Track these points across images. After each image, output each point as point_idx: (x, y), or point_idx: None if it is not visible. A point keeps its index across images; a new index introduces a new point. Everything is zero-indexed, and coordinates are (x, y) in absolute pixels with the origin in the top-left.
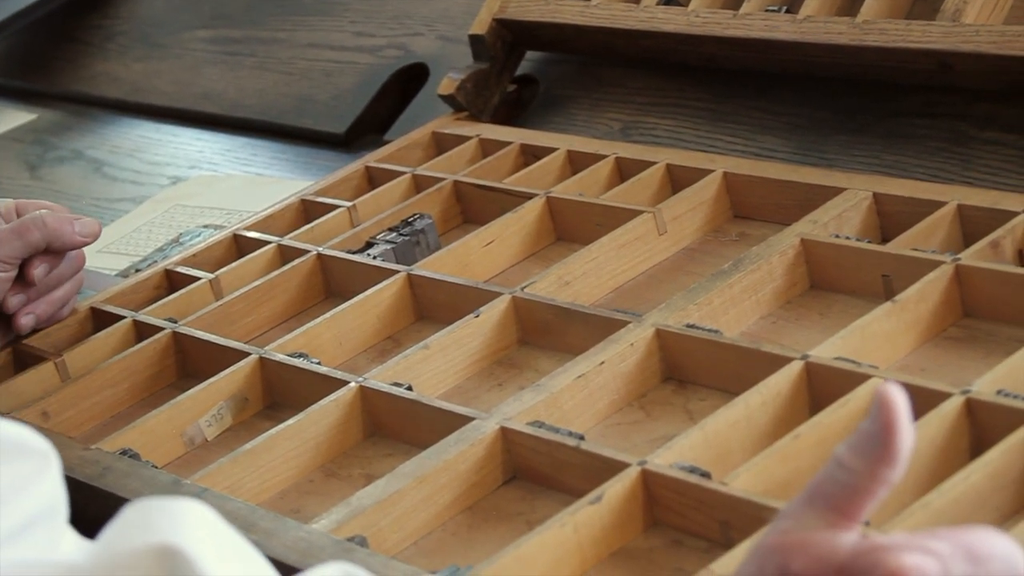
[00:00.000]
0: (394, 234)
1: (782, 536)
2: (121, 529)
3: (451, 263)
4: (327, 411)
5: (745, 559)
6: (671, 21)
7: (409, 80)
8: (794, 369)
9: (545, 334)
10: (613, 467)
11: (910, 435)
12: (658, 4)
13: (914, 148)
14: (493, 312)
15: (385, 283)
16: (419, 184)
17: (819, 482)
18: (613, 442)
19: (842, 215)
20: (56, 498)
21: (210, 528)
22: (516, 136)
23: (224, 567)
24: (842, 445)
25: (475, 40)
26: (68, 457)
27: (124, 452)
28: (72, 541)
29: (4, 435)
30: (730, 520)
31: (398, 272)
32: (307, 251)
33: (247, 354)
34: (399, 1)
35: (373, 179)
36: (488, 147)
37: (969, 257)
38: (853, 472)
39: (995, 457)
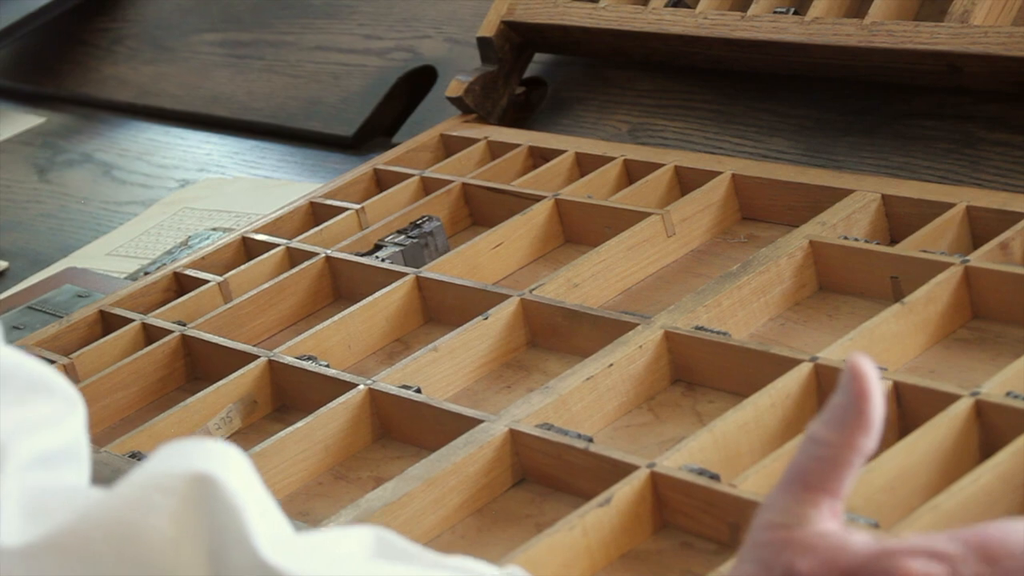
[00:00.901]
0: (403, 236)
1: (786, 532)
2: (156, 459)
3: (460, 265)
4: (336, 414)
5: (742, 556)
6: (679, 23)
7: (417, 83)
8: (803, 371)
9: (554, 336)
10: (622, 469)
11: (881, 402)
12: (666, 6)
13: (923, 150)
14: (502, 314)
15: (394, 285)
16: (427, 186)
17: (795, 463)
18: (622, 444)
19: (851, 217)
20: (79, 443)
21: (242, 466)
22: (524, 138)
23: (254, 501)
24: (814, 422)
25: (483, 42)
26: None
27: (133, 455)
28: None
29: (34, 374)
30: (739, 522)
31: (407, 274)
32: (316, 254)
33: (256, 357)
34: (407, 4)
35: (381, 181)
36: (496, 149)
37: (978, 259)
38: (828, 445)
39: (1005, 459)
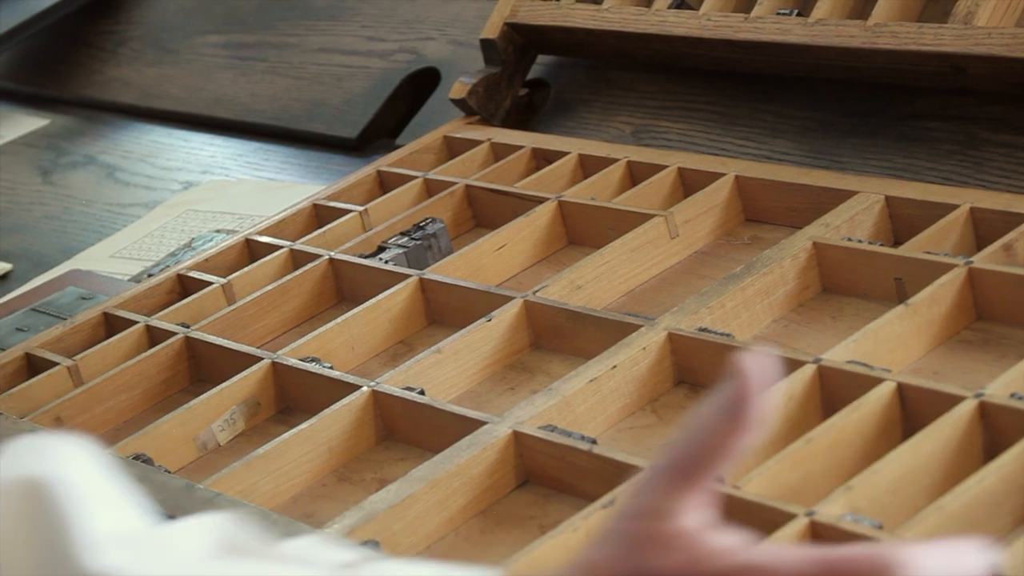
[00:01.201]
0: (406, 238)
1: (652, 524)
2: None
3: (463, 267)
4: (340, 415)
5: (601, 537)
6: (682, 25)
7: (421, 84)
8: (807, 373)
9: (557, 338)
10: (625, 471)
11: (767, 398)
12: (669, 8)
13: (926, 151)
14: (505, 316)
15: (397, 287)
16: (431, 188)
17: (673, 449)
18: (625, 446)
19: (854, 218)
20: None
21: (85, 464)
22: (527, 140)
23: (91, 504)
24: (697, 412)
25: (486, 44)
26: None
27: (137, 457)
28: None
29: None
30: (743, 524)
31: (410, 276)
32: (319, 256)
33: (259, 359)
34: (410, 5)
35: (385, 183)
36: (499, 151)
37: (982, 260)
38: (706, 437)
39: (1009, 460)
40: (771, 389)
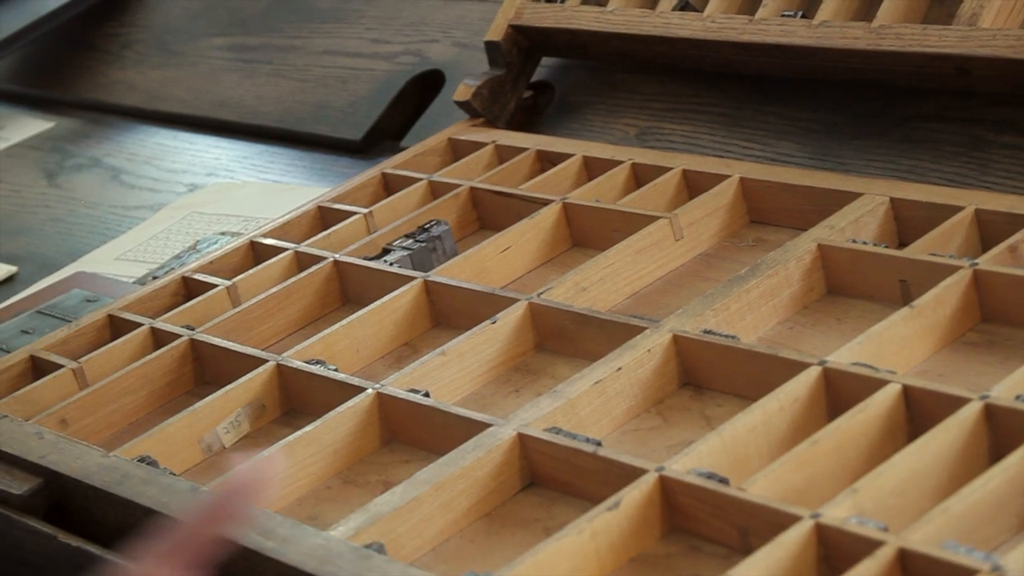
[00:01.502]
0: (411, 240)
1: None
2: None
3: (468, 269)
4: (344, 418)
5: None
6: (687, 27)
7: (425, 87)
8: (812, 375)
9: (562, 340)
10: (631, 473)
11: (241, 504)
12: (674, 10)
13: (931, 153)
14: (510, 318)
15: (402, 290)
16: (435, 190)
17: (172, 529)
18: (630, 448)
19: (859, 220)
20: None
21: None
22: (532, 142)
23: None
24: (199, 498)
25: (491, 46)
26: (86, 464)
27: (142, 459)
28: None
29: None
30: (748, 526)
31: (415, 279)
32: (324, 258)
33: (264, 361)
34: (415, 8)
35: (389, 186)
36: (504, 153)
37: (987, 262)
38: (187, 524)
39: (1015, 462)
40: (263, 493)
